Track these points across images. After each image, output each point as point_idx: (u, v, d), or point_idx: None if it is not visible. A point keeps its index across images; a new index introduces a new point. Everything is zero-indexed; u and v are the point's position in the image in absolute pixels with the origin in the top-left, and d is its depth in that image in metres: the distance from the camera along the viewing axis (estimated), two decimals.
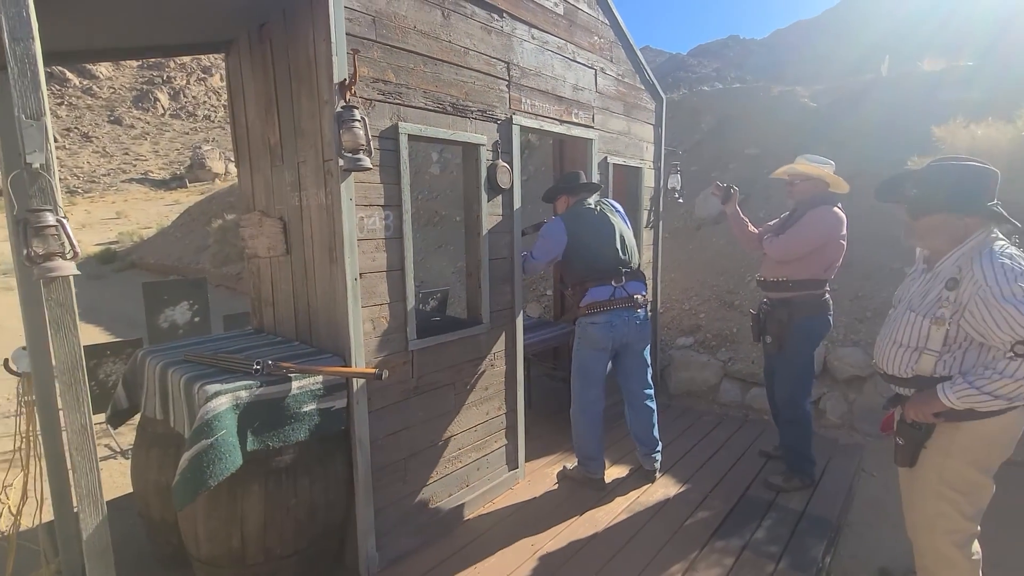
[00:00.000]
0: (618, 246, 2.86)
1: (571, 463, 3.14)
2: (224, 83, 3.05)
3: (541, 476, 3.21)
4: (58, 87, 43.15)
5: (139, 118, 43.61)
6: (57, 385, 1.51)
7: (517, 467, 3.12)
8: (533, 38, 2.94)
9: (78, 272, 1.50)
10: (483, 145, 2.67)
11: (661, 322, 4.87)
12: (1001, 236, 1.68)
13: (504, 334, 2.95)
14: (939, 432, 1.74)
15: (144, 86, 46.55)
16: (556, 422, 3.91)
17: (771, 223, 3.13)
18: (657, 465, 3.12)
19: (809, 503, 2.85)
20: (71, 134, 39.81)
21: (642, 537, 2.60)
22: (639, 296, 2.88)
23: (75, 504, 1.65)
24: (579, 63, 3.28)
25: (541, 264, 2.93)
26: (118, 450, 4.06)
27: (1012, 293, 1.52)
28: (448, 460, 2.70)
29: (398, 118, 2.29)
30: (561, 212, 2.98)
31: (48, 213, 1.42)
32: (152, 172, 37.51)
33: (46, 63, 1.52)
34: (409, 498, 2.52)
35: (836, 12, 30.68)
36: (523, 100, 2.90)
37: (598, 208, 2.93)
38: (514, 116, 2.84)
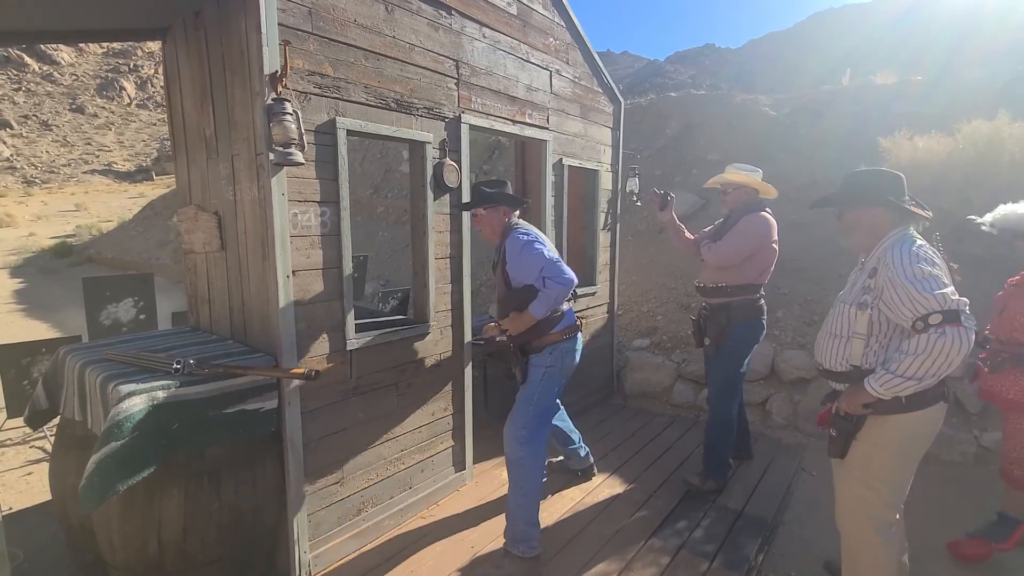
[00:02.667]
0: None
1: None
2: None
3: (489, 477, 3.19)
4: (15, 72, 41.31)
5: (103, 107, 42.05)
6: None
7: (464, 468, 3.10)
8: (484, 37, 2.93)
9: None
10: (429, 143, 2.64)
11: (619, 324, 4.91)
12: (920, 237, 1.82)
13: (452, 335, 2.93)
14: (868, 424, 1.85)
15: (109, 74, 44.90)
16: None
17: (707, 229, 3.19)
18: (589, 452, 3.09)
19: (748, 503, 2.90)
20: (29, 121, 38.15)
21: (582, 537, 2.61)
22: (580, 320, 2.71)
23: None
24: (533, 64, 3.28)
25: (569, 274, 2.30)
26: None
27: (913, 273, 1.67)
28: (390, 462, 2.66)
29: (336, 113, 2.25)
30: (495, 222, 2.45)
31: None
32: (116, 164, 36.22)
33: None
34: (347, 501, 2.47)
35: (806, 25, 31.58)
36: (473, 99, 2.88)
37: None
38: (463, 115, 2.82)
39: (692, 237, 3.20)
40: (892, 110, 6.01)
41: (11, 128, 37.49)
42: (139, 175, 33.86)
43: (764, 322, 3.01)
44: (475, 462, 3.19)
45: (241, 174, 2.23)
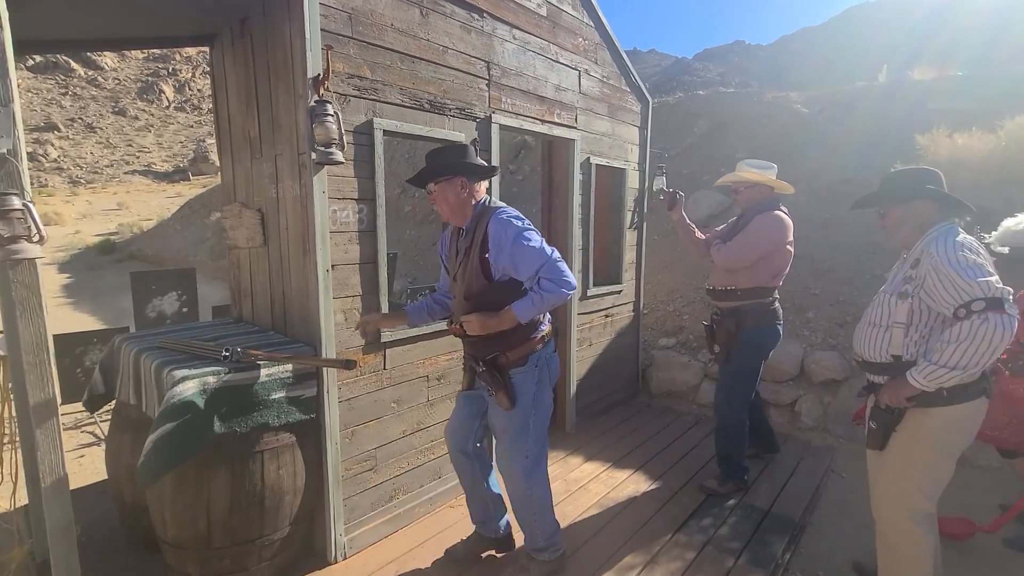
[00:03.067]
0: None
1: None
2: None
3: None
4: (63, 77, 43.32)
5: (143, 110, 43.74)
6: (24, 364, 1.55)
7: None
8: (515, 38, 2.99)
9: (42, 255, 1.55)
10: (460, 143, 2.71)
11: (645, 323, 4.91)
12: (963, 230, 1.84)
13: None
14: (909, 416, 1.86)
15: (149, 78, 46.67)
16: None
17: (719, 228, 3.10)
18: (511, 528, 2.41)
19: (775, 503, 2.89)
20: (75, 124, 39.95)
21: (607, 531, 2.64)
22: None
23: (41, 487, 1.69)
24: (562, 64, 3.33)
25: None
26: (103, 437, 4.11)
27: (957, 260, 1.67)
28: (420, 452, 2.75)
29: (373, 114, 2.34)
30: (452, 197, 2.01)
31: (14, 197, 1.46)
32: (155, 164, 37.61)
33: (24, 52, 1.56)
34: (380, 488, 2.56)
35: (841, 20, 30.69)
36: (503, 99, 2.95)
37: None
38: (493, 115, 2.88)
39: (703, 236, 3.11)
40: (928, 106, 5.84)
41: (59, 131, 39.35)
42: (176, 175, 35.09)
43: (780, 327, 2.87)
44: None
45: (284, 173, 2.34)
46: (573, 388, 3.78)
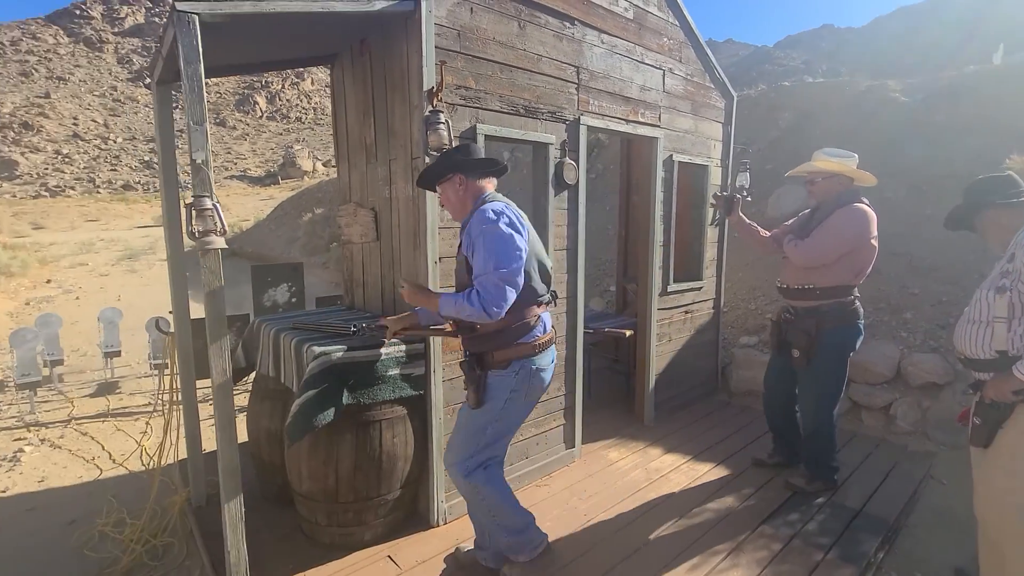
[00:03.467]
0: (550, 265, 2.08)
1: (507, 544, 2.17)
2: (314, 87, 3.46)
3: (596, 457, 3.39)
4: (174, 93, 48.25)
5: (240, 120, 47.81)
6: (207, 335, 1.91)
7: (574, 447, 3.32)
8: (603, 43, 3.12)
9: (226, 246, 1.89)
10: (552, 144, 2.89)
11: (725, 321, 4.86)
12: None
13: (566, 320, 3.16)
14: (1017, 412, 1.82)
15: (245, 91, 50.92)
16: (613, 412, 4.07)
17: (789, 223, 2.97)
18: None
19: (867, 503, 2.83)
20: (182, 136, 44.37)
21: (691, 517, 2.72)
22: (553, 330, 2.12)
23: (215, 435, 2.04)
24: (647, 64, 3.42)
25: (518, 277, 1.81)
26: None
27: None
28: None
29: (476, 120, 2.57)
30: (453, 197, 2.01)
31: (207, 198, 1.81)
32: (250, 170, 41.00)
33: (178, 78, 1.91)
34: None
35: None
36: (591, 101, 3.09)
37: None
38: (582, 117, 3.04)
39: (767, 234, 3.03)
40: None
41: None
42: (267, 179, 38.09)
43: (861, 326, 2.74)
44: (583, 442, 3.40)
45: (397, 176, 2.62)
46: (652, 382, 3.85)
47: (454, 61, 2.45)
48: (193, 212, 1.80)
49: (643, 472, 3.20)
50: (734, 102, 4.19)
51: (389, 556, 2.43)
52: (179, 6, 1.73)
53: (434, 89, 2.33)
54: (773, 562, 2.38)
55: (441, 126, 2.29)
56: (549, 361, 2.02)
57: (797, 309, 2.81)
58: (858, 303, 2.74)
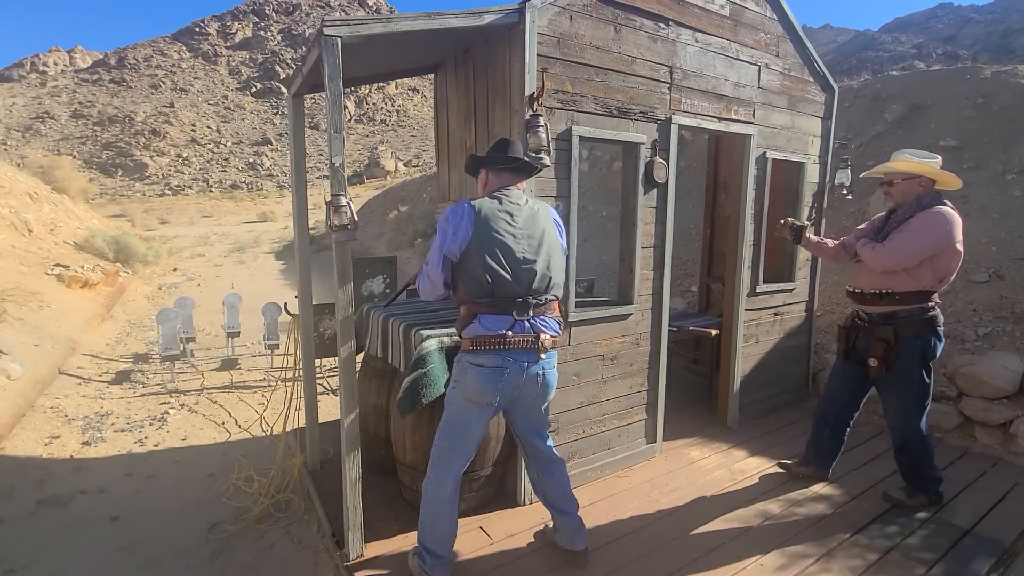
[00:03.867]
0: (540, 268, 2.02)
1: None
2: (397, 91, 3.74)
3: (677, 454, 3.41)
4: (275, 100, 52.60)
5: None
6: (337, 316, 2.20)
7: (655, 442, 3.37)
8: (696, 41, 3.13)
9: (356, 239, 2.17)
10: (643, 144, 2.96)
11: (818, 325, 4.64)
12: None
13: (651, 317, 3.22)
14: None
15: None
16: (693, 412, 4.05)
17: (860, 227, 2.84)
18: (586, 538, 2.36)
19: (979, 523, 2.65)
20: (283, 138, 48.29)
21: (778, 519, 2.69)
22: (548, 337, 2.05)
23: (339, 404, 2.34)
24: (742, 61, 3.37)
25: (436, 271, 2.02)
26: (331, 389, 5.17)
27: None
28: (594, 422, 3.07)
29: (572, 122, 2.70)
30: (479, 188, 2.23)
31: (342, 196, 2.08)
32: None
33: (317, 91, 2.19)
34: (559, 448, 2.91)
35: None
36: (683, 100, 3.12)
37: (526, 206, 2.08)
38: (673, 116, 3.07)
39: (835, 243, 2.92)
40: None
41: (271, 144, 47.99)
42: (353, 179, 40.48)
43: (942, 333, 2.59)
44: (664, 439, 3.43)
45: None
46: (736, 383, 3.79)
47: (553, 67, 2.59)
48: (331, 208, 2.09)
49: (727, 472, 3.19)
50: (835, 96, 4.00)
51: (481, 527, 2.63)
52: (326, 31, 2.01)
53: (535, 94, 2.49)
54: (868, 572, 2.32)
55: (540, 129, 2.44)
56: (492, 364, 1.98)
57: (871, 315, 2.67)
58: (937, 310, 2.60)
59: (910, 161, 2.56)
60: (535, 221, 2.05)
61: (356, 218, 2.12)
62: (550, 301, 2.09)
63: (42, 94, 61.92)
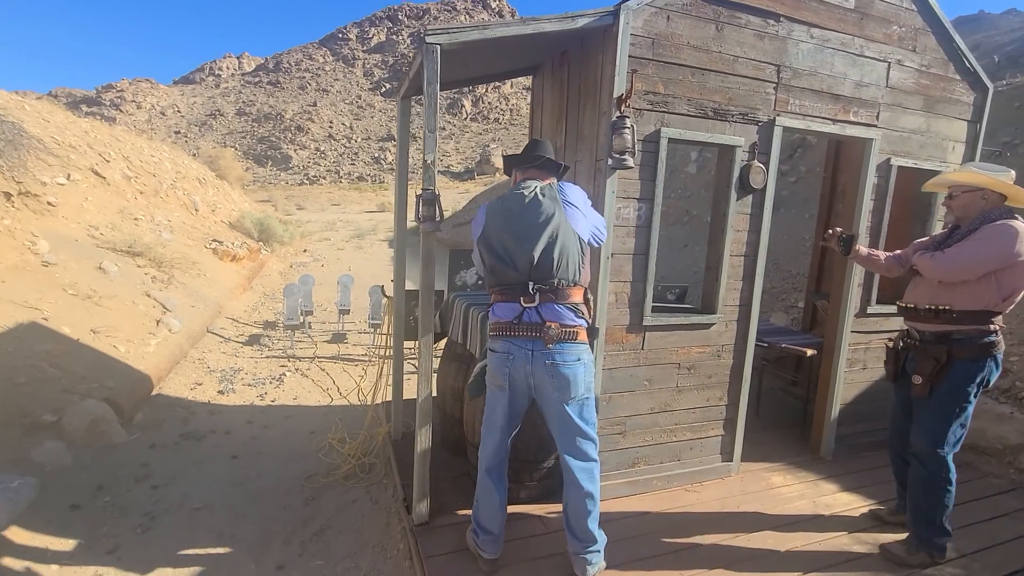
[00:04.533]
0: (539, 252, 2.06)
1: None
2: (512, 90, 3.89)
3: (756, 477, 3.22)
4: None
5: (449, 122, 53.87)
6: (420, 300, 2.42)
7: (731, 460, 3.21)
8: (812, 37, 2.91)
9: (441, 230, 2.35)
10: (739, 147, 2.82)
11: None
12: None
13: (736, 329, 3.06)
14: None
15: (455, 95, 57.11)
16: (782, 436, 3.77)
17: (919, 241, 2.61)
18: (590, 570, 2.20)
19: None
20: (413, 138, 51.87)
21: (857, 562, 2.45)
22: (555, 326, 2.07)
23: (416, 383, 2.56)
24: (867, 57, 3.06)
25: (478, 266, 2.32)
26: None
27: None
28: (664, 431, 3.00)
29: (661, 124, 2.66)
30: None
31: (431, 191, 2.28)
32: (452, 166, 46.01)
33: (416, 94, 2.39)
34: (625, 452, 2.93)
35: None
36: (790, 101, 2.92)
37: (535, 194, 2.14)
38: (777, 117, 2.89)
39: (888, 255, 2.67)
40: None
41: (395, 140, 51.55)
42: (465, 175, 42.34)
43: (999, 359, 2.32)
44: (741, 459, 3.25)
45: (581, 176, 2.86)
46: (835, 411, 3.46)
47: (645, 68, 2.58)
48: (420, 201, 2.29)
49: (810, 504, 2.95)
50: (988, 95, 3.46)
51: (540, 516, 2.72)
52: (428, 39, 2.21)
53: (623, 96, 2.50)
54: None
55: (626, 131, 2.45)
56: (501, 349, 2.16)
57: (924, 334, 2.42)
58: (999, 335, 2.32)
59: (973, 173, 2.35)
60: (540, 207, 2.11)
61: (442, 213, 2.30)
62: (563, 287, 2.10)
63: (215, 94, 72.52)
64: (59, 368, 4.00)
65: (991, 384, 2.37)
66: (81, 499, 3.08)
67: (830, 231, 2.73)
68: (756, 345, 3.16)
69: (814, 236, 4.64)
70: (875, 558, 2.49)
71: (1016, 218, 2.25)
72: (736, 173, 2.85)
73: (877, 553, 2.52)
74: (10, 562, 2.56)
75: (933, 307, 2.37)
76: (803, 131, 3.01)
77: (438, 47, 2.24)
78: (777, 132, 2.90)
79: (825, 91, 3.00)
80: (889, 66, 3.14)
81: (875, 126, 3.16)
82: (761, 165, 2.89)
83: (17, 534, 2.73)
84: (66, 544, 2.74)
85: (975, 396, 2.35)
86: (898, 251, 2.70)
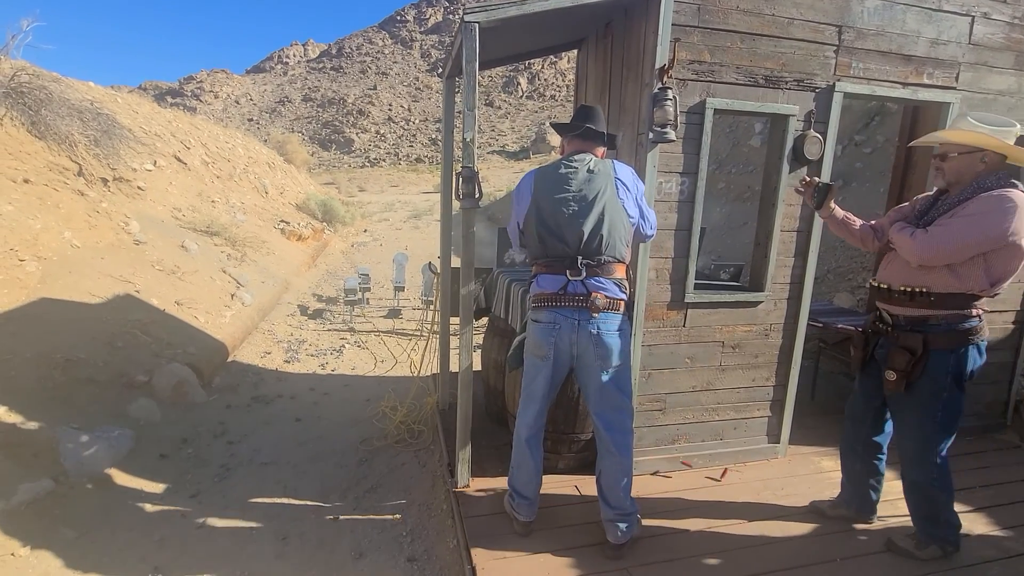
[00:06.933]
0: (588, 227, 2.10)
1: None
2: (569, 65, 3.85)
3: (804, 461, 3.12)
4: (458, 78, 56.85)
5: (505, 100, 53.58)
6: (461, 275, 2.51)
7: (778, 442, 3.12)
8: None
9: (479, 207, 2.42)
10: (793, 116, 2.68)
11: None
12: None
13: (786, 308, 2.95)
14: None
15: (511, 73, 56.59)
16: (837, 421, 3.59)
17: (900, 206, 2.28)
18: (621, 536, 2.24)
19: None
20: (459, 116, 52.15)
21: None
22: (600, 296, 2.12)
23: (460, 354, 2.67)
24: (946, 12, 2.79)
25: (513, 238, 2.35)
26: None
27: None
28: (706, 410, 2.97)
29: (707, 94, 2.57)
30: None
31: (471, 169, 2.34)
32: (508, 145, 45.90)
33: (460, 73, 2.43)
34: (665, 429, 2.93)
35: None
36: (853, 64, 2.72)
37: (584, 167, 2.16)
38: (837, 83, 2.71)
39: (864, 223, 2.31)
40: None
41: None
42: (521, 154, 42.14)
43: (983, 347, 2.05)
44: (790, 442, 3.15)
45: (623, 149, 2.83)
46: None
47: (689, 36, 2.49)
48: (460, 180, 2.36)
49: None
50: None
51: (575, 485, 2.79)
52: (467, 18, 2.25)
53: (665, 67, 2.43)
54: None
55: (668, 103, 2.39)
56: (546, 319, 2.20)
57: (897, 319, 2.15)
58: (981, 319, 2.05)
59: (966, 132, 1.96)
60: (591, 183, 2.14)
61: (481, 190, 2.37)
62: (608, 262, 2.15)
63: (284, 82, 75.83)
64: (149, 335, 4.47)
65: (975, 374, 2.09)
66: (169, 450, 3.48)
67: (806, 178, 2.36)
68: (809, 325, 3.03)
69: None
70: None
71: (1016, 185, 1.93)
72: (789, 144, 2.72)
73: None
74: (114, 497, 2.96)
75: (908, 288, 2.07)
76: (867, 96, 2.80)
77: (476, 25, 2.28)
78: (837, 99, 2.72)
79: (894, 52, 2.77)
80: (973, 20, 2.84)
81: (953, 88, 2.89)
82: (817, 135, 2.73)
83: (118, 476, 3.14)
84: (157, 487, 3.12)
85: (961, 390, 2.08)
86: (876, 220, 2.35)
